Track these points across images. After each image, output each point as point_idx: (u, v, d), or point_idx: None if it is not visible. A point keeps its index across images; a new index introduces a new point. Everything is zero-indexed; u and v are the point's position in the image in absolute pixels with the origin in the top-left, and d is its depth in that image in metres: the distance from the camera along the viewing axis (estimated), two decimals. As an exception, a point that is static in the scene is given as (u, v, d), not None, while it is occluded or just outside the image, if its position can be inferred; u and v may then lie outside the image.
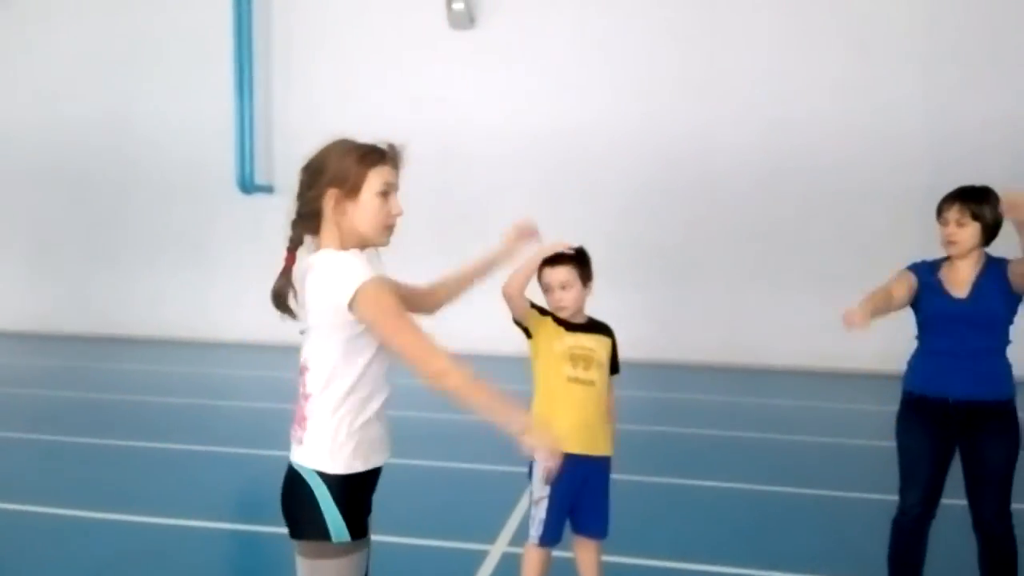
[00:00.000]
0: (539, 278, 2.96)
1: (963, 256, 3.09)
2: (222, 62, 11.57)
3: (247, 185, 11.47)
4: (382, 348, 2.02)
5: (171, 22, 11.93)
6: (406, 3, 11.31)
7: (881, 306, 3.02)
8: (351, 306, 1.91)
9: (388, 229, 2.09)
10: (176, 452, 5.96)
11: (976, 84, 9.92)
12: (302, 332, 2.06)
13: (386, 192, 2.06)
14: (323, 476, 1.99)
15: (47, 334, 12.19)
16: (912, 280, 3.17)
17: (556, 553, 3.12)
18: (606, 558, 3.21)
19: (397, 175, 2.11)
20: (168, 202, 12.09)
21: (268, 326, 10.91)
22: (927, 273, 3.18)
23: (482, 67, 11.12)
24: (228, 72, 11.53)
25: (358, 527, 2.02)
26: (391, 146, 2.10)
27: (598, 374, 3.00)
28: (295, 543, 2.03)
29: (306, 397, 2.05)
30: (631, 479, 4.36)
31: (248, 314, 11.39)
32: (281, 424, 7.28)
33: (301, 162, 2.11)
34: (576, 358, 2.96)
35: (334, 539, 1.97)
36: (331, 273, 1.96)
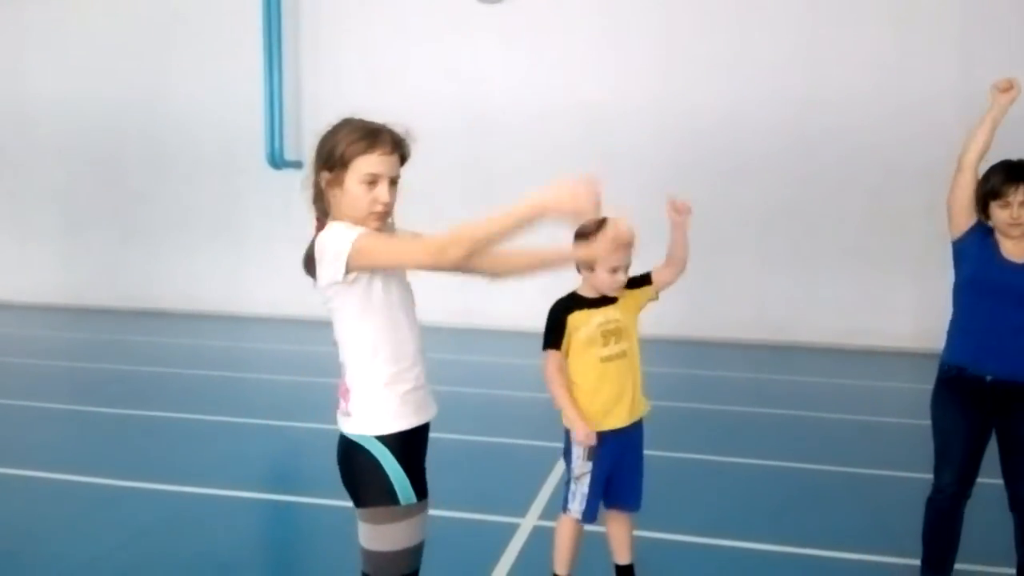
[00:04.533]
0: (590, 256, 2.79)
1: None
2: (251, 39, 11.57)
3: (277, 161, 11.52)
4: (392, 303, 2.02)
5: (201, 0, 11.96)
6: (435, -24, 11.21)
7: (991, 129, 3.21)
8: (347, 271, 1.94)
9: (374, 217, 2.03)
10: (209, 423, 6.04)
11: (1013, 61, 9.62)
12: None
13: (373, 181, 2.01)
14: (382, 439, 2.00)
15: (80, 308, 12.38)
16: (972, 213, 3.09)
17: (586, 527, 3.13)
18: (636, 533, 3.22)
19: (395, 163, 2.05)
20: (199, 178, 12.18)
21: (298, 300, 10.88)
22: (984, 228, 3.09)
23: (510, 41, 11.01)
24: (257, 49, 11.54)
25: (420, 486, 2.04)
26: (390, 133, 2.04)
27: (628, 341, 2.99)
28: (359, 511, 2.04)
29: (343, 369, 2.08)
30: (662, 455, 4.34)
31: (278, 288, 11.49)
32: (312, 396, 7.36)
33: None
34: (607, 334, 2.95)
35: (402, 501, 1.99)
36: (322, 250, 1.99)
